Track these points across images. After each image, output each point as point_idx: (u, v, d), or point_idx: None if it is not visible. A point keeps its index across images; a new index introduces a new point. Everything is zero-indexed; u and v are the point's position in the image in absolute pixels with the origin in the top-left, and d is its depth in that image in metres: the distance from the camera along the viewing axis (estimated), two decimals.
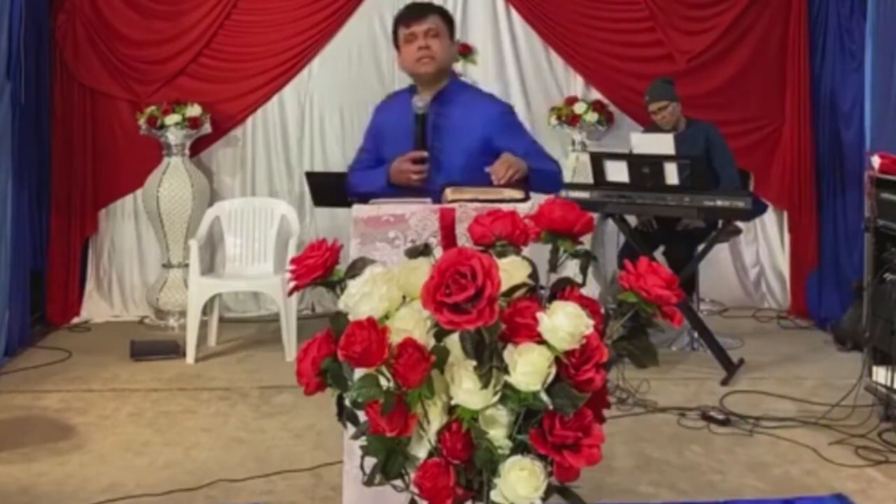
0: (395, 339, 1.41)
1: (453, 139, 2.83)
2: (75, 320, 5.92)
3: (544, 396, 1.39)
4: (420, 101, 2.80)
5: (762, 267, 6.44)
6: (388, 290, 1.46)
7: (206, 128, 5.84)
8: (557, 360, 1.41)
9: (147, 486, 3.39)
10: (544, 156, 2.95)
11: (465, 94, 2.98)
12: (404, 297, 1.48)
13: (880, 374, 4.05)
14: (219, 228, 5.59)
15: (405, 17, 2.93)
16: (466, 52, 6.25)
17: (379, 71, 6.24)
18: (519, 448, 1.43)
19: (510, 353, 1.40)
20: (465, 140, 2.84)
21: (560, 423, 1.40)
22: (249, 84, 6.03)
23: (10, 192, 5.12)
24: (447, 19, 2.95)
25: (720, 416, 4.16)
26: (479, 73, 6.30)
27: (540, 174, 2.81)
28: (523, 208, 2.78)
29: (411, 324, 1.43)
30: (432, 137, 2.82)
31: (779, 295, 6.37)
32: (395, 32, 2.96)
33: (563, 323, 1.39)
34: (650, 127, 5.43)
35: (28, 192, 5.51)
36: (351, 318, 1.45)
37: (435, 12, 2.93)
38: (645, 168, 4.90)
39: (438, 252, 1.51)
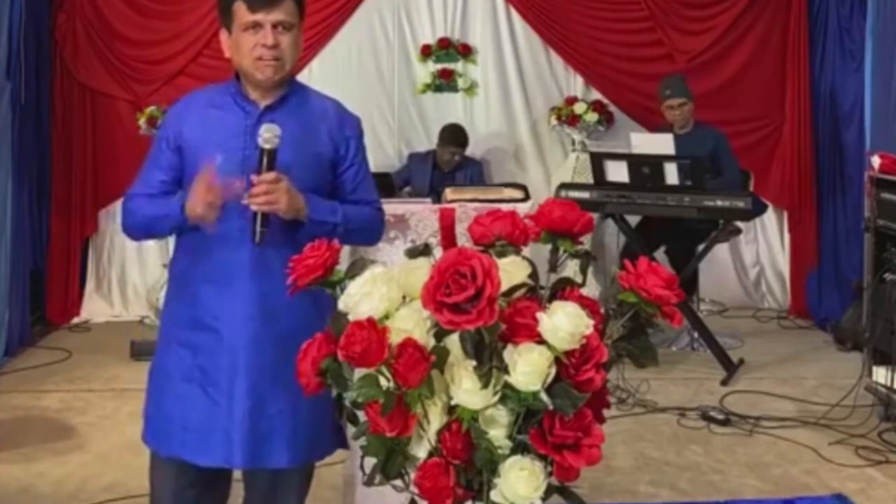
0: (395, 339, 1.41)
1: (294, 157, 2.13)
2: (75, 320, 5.92)
3: (544, 396, 1.39)
4: (268, 132, 2.03)
5: (762, 267, 6.44)
6: (388, 290, 1.46)
7: None
8: (557, 360, 1.41)
9: (147, 486, 3.39)
10: (373, 191, 2.32)
11: (311, 101, 2.25)
12: (404, 297, 1.48)
13: (880, 374, 4.05)
14: None
15: None
16: (466, 52, 6.25)
17: (379, 71, 6.25)
18: (519, 448, 1.43)
19: (510, 353, 1.40)
20: (311, 161, 2.18)
21: (560, 423, 1.40)
22: None
23: (10, 192, 5.12)
24: (300, 4, 2.18)
25: (720, 416, 4.16)
26: (479, 73, 6.32)
27: (357, 218, 2.23)
28: (523, 208, 2.78)
29: (411, 324, 1.43)
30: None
31: (779, 295, 6.37)
32: (227, 5, 2.15)
33: (563, 323, 1.39)
34: (661, 127, 5.42)
35: (28, 192, 5.51)
36: (351, 318, 1.45)
37: None
38: (645, 168, 4.90)
39: (438, 252, 1.51)
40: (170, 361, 2.18)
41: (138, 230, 2.24)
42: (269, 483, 2.25)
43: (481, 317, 1.35)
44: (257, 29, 2.11)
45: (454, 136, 5.87)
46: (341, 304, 1.51)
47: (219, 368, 2.12)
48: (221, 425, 2.11)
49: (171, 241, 6.03)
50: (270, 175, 2.03)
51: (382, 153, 6.28)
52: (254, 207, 2.03)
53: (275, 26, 2.11)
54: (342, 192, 2.24)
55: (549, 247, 1.61)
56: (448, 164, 5.89)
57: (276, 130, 2.04)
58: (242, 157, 2.10)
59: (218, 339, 2.12)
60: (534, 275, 1.51)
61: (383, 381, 1.41)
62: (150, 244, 6.00)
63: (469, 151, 6.17)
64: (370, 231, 2.30)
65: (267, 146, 2.04)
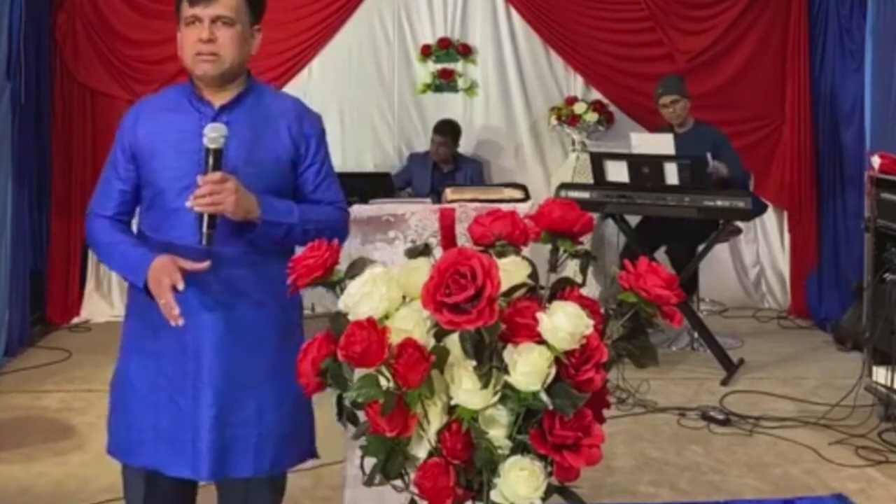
0: (395, 339, 1.40)
1: (250, 157, 2.09)
2: (75, 320, 5.92)
3: (544, 396, 1.39)
4: (213, 131, 1.99)
5: (762, 267, 6.45)
6: (388, 290, 1.46)
7: None
8: (557, 360, 1.41)
9: None
10: (336, 190, 2.28)
11: (269, 99, 2.21)
12: (404, 297, 1.48)
13: (880, 374, 4.05)
14: None
15: None
16: (466, 52, 6.26)
17: (379, 71, 6.26)
18: (519, 448, 1.43)
19: (510, 353, 1.40)
20: (268, 161, 2.13)
21: (560, 423, 1.40)
22: None
23: (10, 192, 5.12)
24: (251, 1, 2.14)
25: (720, 416, 4.16)
26: (479, 73, 6.32)
27: (317, 218, 2.18)
28: (523, 208, 2.78)
29: (411, 324, 1.42)
30: (224, 160, 2.03)
31: (779, 295, 6.37)
32: (177, 2, 2.14)
33: (563, 323, 1.39)
34: (662, 127, 5.42)
35: (28, 192, 5.51)
36: (351, 318, 1.45)
37: None
38: (645, 168, 4.90)
39: (438, 252, 1.51)
40: (133, 372, 2.15)
41: (96, 253, 2.22)
42: (240, 493, 2.21)
43: (481, 317, 1.35)
44: (196, 23, 2.07)
45: (442, 126, 5.89)
46: (341, 304, 1.51)
47: (184, 375, 2.09)
48: (189, 435, 2.08)
49: None
50: (216, 175, 1.98)
51: (382, 153, 6.29)
52: (198, 209, 1.97)
53: (213, 21, 2.06)
54: (303, 191, 2.20)
55: (549, 247, 1.61)
56: (441, 158, 5.88)
57: (221, 130, 2.00)
58: (198, 160, 2.03)
59: (182, 345, 2.08)
60: (534, 275, 1.51)
61: (383, 381, 1.41)
62: None
63: (469, 151, 6.17)
64: (333, 231, 2.19)
65: (212, 146, 1.99)
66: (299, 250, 2.20)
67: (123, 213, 2.19)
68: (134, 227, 2.23)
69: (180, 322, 1.99)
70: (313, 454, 2.28)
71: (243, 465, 2.12)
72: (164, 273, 1.98)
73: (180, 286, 1.97)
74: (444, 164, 5.94)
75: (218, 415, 2.08)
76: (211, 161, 1.99)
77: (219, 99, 2.12)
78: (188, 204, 1.97)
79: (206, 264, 2.00)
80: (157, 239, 2.10)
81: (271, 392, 2.13)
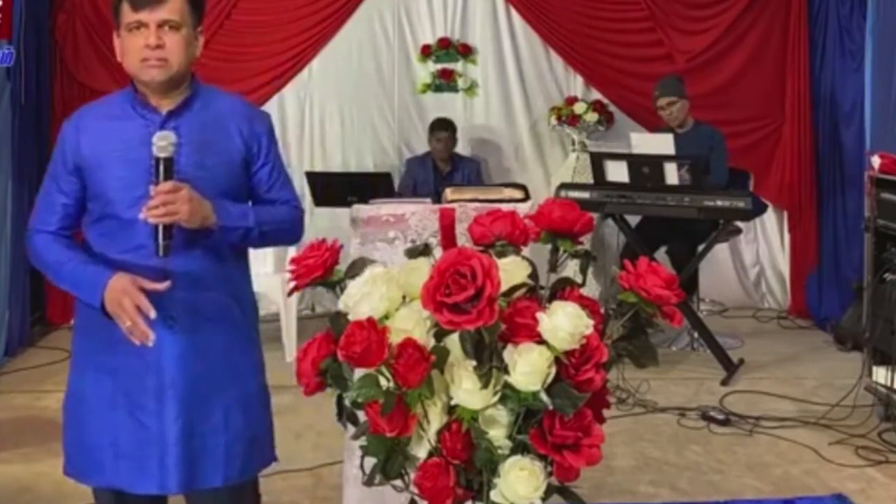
0: (395, 339, 1.41)
1: (202, 162, 2.03)
2: (75, 320, 5.91)
3: (544, 396, 1.39)
4: (162, 140, 1.92)
5: (762, 267, 6.45)
6: (388, 290, 1.46)
7: None
8: (557, 360, 1.41)
9: None
10: (290, 189, 2.23)
11: (216, 101, 2.15)
12: (404, 297, 1.48)
13: (880, 374, 4.05)
14: None
15: None
16: (466, 52, 6.26)
17: (379, 71, 6.26)
18: (519, 448, 1.43)
19: (510, 353, 1.40)
20: (221, 164, 2.08)
21: (560, 423, 1.40)
22: (249, 84, 6.03)
23: (10, 192, 5.13)
24: (195, 3, 2.09)
25: (720, 416, 4.16)
26: (479, 73, 6.32)
27: (273, 219, 2.13)
28: (523, 208, 2.78)
29: (411, 324, 1.43)
30: (180, 165, 1.98)
31: (779, 295, 6.37)
32: (115, 6, 2.08)
33: (563, 323, 1.39)
34: (662, 127, 5.42)
35: (28, 192, 5.50)
36: (351, 318, 1.45)
37: None
38: (645, 168, 4.90)
39: (438, 252, 1.51)
40: (87, 389, 2.07)
41: (43, 272, 2.10)
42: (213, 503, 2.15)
43: (481, 317, 1.35)
44: (141, 29, 2.01)
45: (440, 123, 5.88)
46: (341, 304, 1.51)
47: (145, 390, 2.02)
48: (154, 451, 2.02)
49: None
50: (168, 185, 1.91)
51: (382, 153, 6.29)
52: (152, 220, 1.91)
53: (160, 25, 2.00)
54: (257, 191, 2.15)
55: (549, 247, 1.61)
56: (441, 156, 5.87)
57: (170, 138, 1.93)
58: (148, 168, 1.95)
59: (140, 359, 2.00)
60: (534, 275, 1.51)
61: (383, 381, 1.41)
62: None
63: (469, 151, 6.17)
64: (289, 231, 2.19)
65: (162, 154, 1.91)
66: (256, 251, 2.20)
67: (66, 227, 2.09)
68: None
69: (151, 342, 1.93)
70: (274, 457, 2.24)
71: (213, 474, 2.07)
72: (125, 295, 1.91)
73: (151, 314, 1.90)
74: (442, 164, 5.93)
75: (184, 427, 2.03)
76: (162, 170, 1.92)
77: (165, 104, 2.06)
78: (141, 216, 1.91)
79: (166, 284, 1.93)
80: (107, 253, 2.03)
81: (237, 396, 2.10)
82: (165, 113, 2.05)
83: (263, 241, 2.13)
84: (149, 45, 1.99)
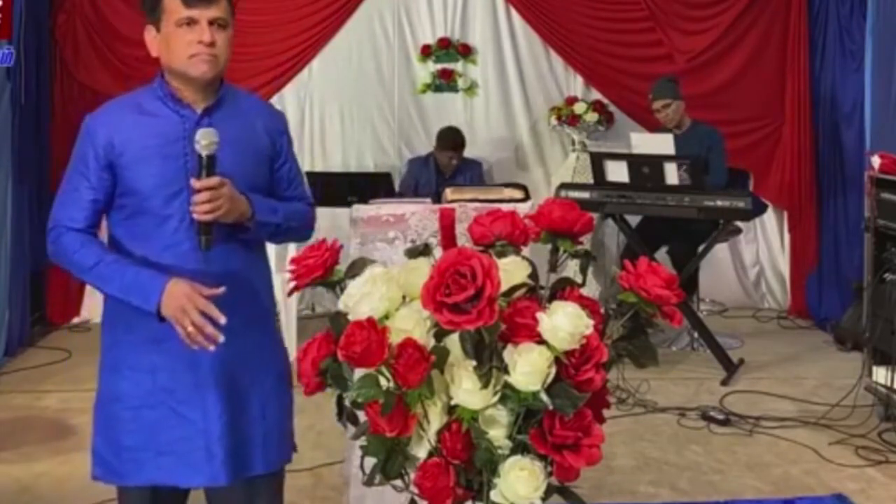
0: (395, 339, 1.41)
1: (237, 159, 2.06)
2: (75, 320, 5.91)
3: (544, 396, 1.39)
4: (205, 138, 1.94)
5: (762, 267, 6.44)
6: (388, 290, 1.46)
7: None
8: (557, 360, 1.41)
9: None
10: (304, 187, 2.29)
11: (240, 99, 2.19)
12: (404, 297, 1.48)
13: (880, 374, 4.05)
14: None
15: None
16: (466, 52, 6.26)
17: (379, 71, 6.26)
18: (519, 448, 1.43)
19: (510, 353, 1.40)
20: (252, 161, 2.12)
21: (560, 423, 1.40)
22: (249, 84, 6.03)
23: (10, 192, 5.12)
24: (232, 4, 2.14)
25: (720, 416, 4.16)
26: (479, 73, 6.32)
27: (294, 216, 2.18)
28: (523, 208, 2.78)
29: (411, 324, 1.43)
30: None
31: (779, 295, 6.37)
32: (157, 2, 2.07)
33: (563, 323, 1.39)
34: (662, 127, 5.42)
35: (28, 192, 5.51)
36: (351, 318, 1.45)
37: None
38: (645, 168, 4.90)
39: (438, 252, 1.51)
40: (122, 389, 2.07)
41: (75, 272, 2.09)
42: (243, 494, 2.16)
43: (481, 317, 1.35)
44: (192, 25, 2.02)
45: (451, 140, 5.83)
46: (341, 304, 1.51)
47: (185, 386, 2.04)
48: (200, 444, 2.04)
49: None
50: (213, 180, 1.94)
51: (382, 153, 6.29)
52: (198, 217, 1.94)
53: (211, 23, 2.03)
54: (278, 188, 2.19)
55: (549, 247, 1.61)
56: (447, 168, 5.88)
57: (212, 136, 1.95)
58: (184, 164, 2.00)
59: (179, 355, 2.00)
60: (534, 275, 1.51)
61: (383, 381, 1.41)
62: None
63: (469, 152, 6.17)
64: (305, 228, 2.24)
65: (205, 152, 1.94)
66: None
67: (93, 224, 2.10)
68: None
69: (216, 344, 1.93)
70: (295, 448, 2.29)
71: (255, 462, 2.11)
72: (189, 300, 1.90)
73: (222, 320, 1.90)
74: (444, 169, 5.92)
75: (230, 419, 2.06)
76: (206, 167, 1.95)
77: (200, 102, 2.08)
78: (193, 214, 1.94)
79: (222, 290, 1.94)
80: (139, 250, 2.03)
81: (271, 387, 2.14)
82: (201, 110, 2.07)
83: (285, 236, 2.18)
84: (203, 42, 2.02)
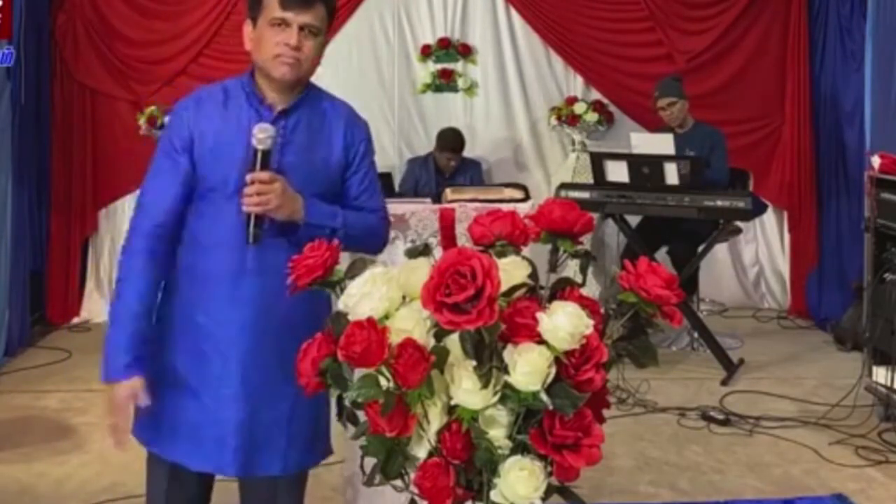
0: (395, 339, 1.40)
1: (304, 162, 2.13)
2: (75, 320, 5.92)
3: (544, 396, 1.39)
4: (262, 132, 2.01)
5: (762, 267, 6.45)
6: (388, 290, 1.46)
7: None
8: (557, 360, 1.40)
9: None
10: (378, 199, 2.29)
11: (324, 104, 2.22)
12: (404, 297, 1.48)
13: (880, 374, 4.05)
14: None
15: None
16: (466, 52, 6.26)
17: (379, 71, 6.26)
18: (519, 448, 1.43)
19: (510, 353, 1.40)
20: (319, 166, 2.16)
21: (560, 423, 1.40)
22: None
23: (10, 192, 5.12)
24: (331, 12, 2.17)
25: (720, 416, 4.16)
26: (479, 73, 6.32)
27: (359, 225, 2.20)
28: (523, 208, 2.78)
29: (411, 324, 1.42)
30: (276, 160, 2.08)
31: (779, 295, 6.37)
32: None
33: (563, 323, 1.39)
34: (662, 128, 5.42)
35: (28, 192, 5.51)
36: (351, 318, 1.45)
37: (324, 1, 2.13)
38: (645, 168, 4.90)
39: (438, 252, 1.51)
40: (164, 364, 2.15)
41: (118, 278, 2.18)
42: (267, 490, 2.22)
43: (481, 317, 1.35)
44: (284, 27, 2.07)
45: (450, 141, 5.83)
46: (341, 304, 1.51)
47: (212, 375, 2.10)
48: (212, 433, 2.09)
49: None
50: (264, 175, 2.00)
51: (382, 153, 6.27)
52: (246, 208, 2.01)
53: (301, 28, 2.08)
54: (346, 197, 2.22)
55: (549, 247, 1.60)
56: (447, 168, 5.88)
57: (269, 131, 2.01)
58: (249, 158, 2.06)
59: (214, 344, 2.09)
60: (534, 275, 1.51)
61: (383, 381, 1.41)
62: None
63: (469, 151, 6.17)
64: (373, 239, 2.25)
65: (260, 147, 2.00)
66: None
67: (173, 211, 2.12)
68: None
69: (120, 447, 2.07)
70: (331, 451, 2.30)
71: (271, 463, 2.14)
72: (120, 411, 2.05)
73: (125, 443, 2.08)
74: (444, 169, 5.92)
75: (250, 415, 2.09)
76: (259, 161, 2.01)
77: (279, 102, 2.14)
78: (244, 206, 2.00)
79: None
80: (204, 239, 2.10)
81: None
82: (277, 111, 2.12)
83: (347, 244, 2.13)
84: (289, 44, 2.06)
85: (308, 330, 2.12)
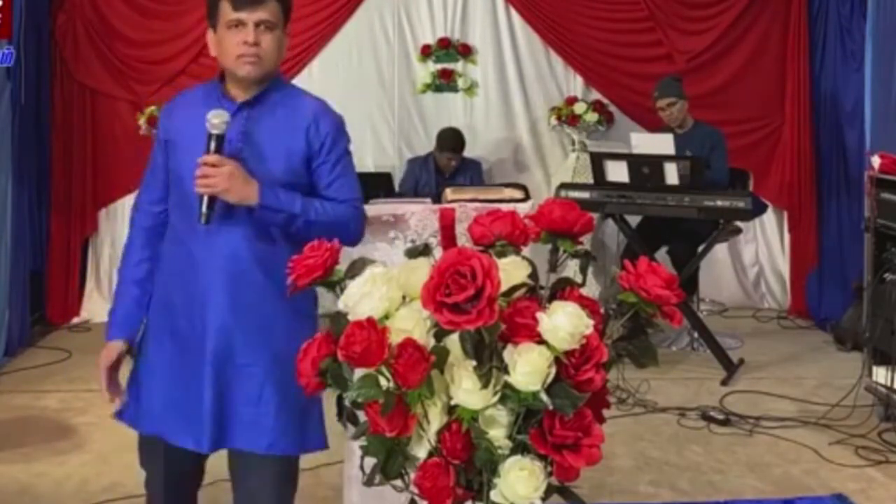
0: (395, 339, 1.40)
1: (265, 151, 2.20)
2: (75, 320, 5.92)
3: (544, 396, 1.39)
4: (216, 117, 2.11)
5: (762, 267, 6.45)
6: (388, 290, 1.46)
7: None
8: (557, 360, 1.40)
9: None
10: (350, 189, 2.34)
11: (294, 100, 2.28)
12: (404, 297, 1.48)
13: (880, 374, 4.05)
14: None
15: None
16: (466, 52, 6.26)
17: (379, 71, 6.26)
18: (519, 448, 1.43)
19: (510, 353, 1.40)
20: (281, 155, 2.22)
21: (560, 423, 1.40)
22: None
23: (10, 192, 5.12)
24: (286, 4, 2.26)
25: (720, 416, 4.16)
26: (479, 73, 6.32)
27: (325, 213, 2.24)
28: (523, 208, 2.78)
29: (411, 324, 1.42)
30: (240, 149, 2.17)
31: (779, 295, 6.37)
32: (214, 4, 2.24)
33: (563, 323, 1.39)
34: (662, 128, 5.42)
35: (28, 192, 5.51)
36: (351, 318, 1.45)
37: None
38: (645, 168, 4.90)
39: (438, 252, 1.51)
40: (151, 346, 2.29)
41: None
42: (238, 467, 2.29)
43: (481, 317, 1.35)
44: (240, 27, 2.17)
45: (451, 141, 5.83)
46: (341, 304, 1.51)
47: (191, 353, 2.20)
48: (191, 409, 2.19)
49: None
50: (212, 158, 2.10)
51: (382, 153, 6.29)
52: (197, 190, 2.11)
53: (257, 25, 2.16)
54: (317, 187, 2.28)
55: (549, 247, 1.60)
56: (447, 168, 5.88)
57: (223, 116, 2.11)
58: (225, 153, 2.15)
59: (190, 324, 2.20)
60: (534, 275, 1.51)
61: (383, 381, 1.41)
62: None
63: (469, 151, 6.17)
64: (344, 229, 2.23)
65: (214, 131, 2.11)
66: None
67: (163, 200, 2.30)
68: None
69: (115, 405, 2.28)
70: (320, 445, 2.32)
71: (239, 437, 2.21)
72: (100, 370, 2.29)
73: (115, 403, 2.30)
74: (444, 169, 5.92)
75: (216, 393, 2.18)
76: (213, 145, 2.11)
77: (241, 96, 2.23)
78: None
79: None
80: (179, 225, 2.24)
81: (276, 378, 2.20)
82: (239, 103, 2.22)
83: (311, 231, 2.16)
84: (247, 43, 2.16)
85: (274, 319, 2.26)
